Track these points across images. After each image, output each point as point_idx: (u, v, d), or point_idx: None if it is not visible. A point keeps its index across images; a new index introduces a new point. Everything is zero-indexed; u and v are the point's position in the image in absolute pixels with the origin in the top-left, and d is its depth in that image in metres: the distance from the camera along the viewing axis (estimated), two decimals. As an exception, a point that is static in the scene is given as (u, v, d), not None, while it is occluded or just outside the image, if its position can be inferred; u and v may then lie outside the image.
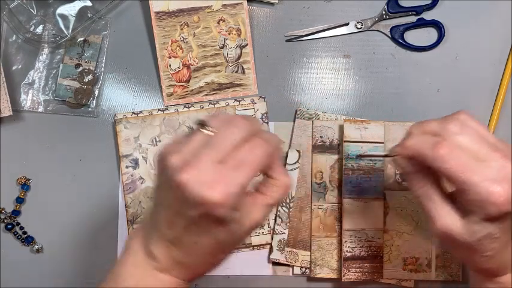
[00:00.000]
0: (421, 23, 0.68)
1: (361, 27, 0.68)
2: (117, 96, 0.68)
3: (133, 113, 0.66)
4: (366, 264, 0.63)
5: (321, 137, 0.66)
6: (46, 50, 0.67)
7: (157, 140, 0.66)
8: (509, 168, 0.43)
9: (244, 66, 0.67)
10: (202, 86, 0.67)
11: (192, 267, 0.45)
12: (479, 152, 0.44)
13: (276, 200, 0.46)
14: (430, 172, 0.46)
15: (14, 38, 0.67)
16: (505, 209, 0.42)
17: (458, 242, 0.45)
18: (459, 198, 0.45)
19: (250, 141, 0.42)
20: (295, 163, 0.65)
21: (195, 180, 0.39)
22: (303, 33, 0.68)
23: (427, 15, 0.68)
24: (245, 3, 0.67)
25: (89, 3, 0.66)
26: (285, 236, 0.65)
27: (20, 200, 0.66)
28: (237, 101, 0.67)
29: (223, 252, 0.45)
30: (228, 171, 0.40)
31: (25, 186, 0.66)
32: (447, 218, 0.45)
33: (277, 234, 0.65)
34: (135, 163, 0.65)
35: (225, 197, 0.39)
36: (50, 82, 0.67)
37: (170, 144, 0.42)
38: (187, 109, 0.66)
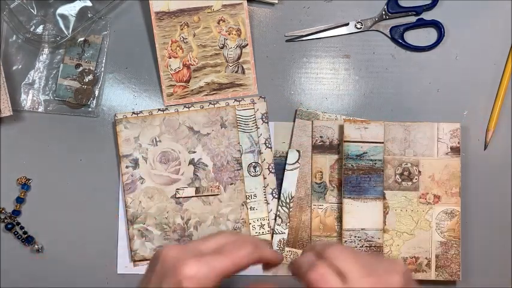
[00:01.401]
0: (421, 23, 0.68)
1: (361, 27, 0.68)
2: (117, 96, 0.68)
3: (133, 113, 0.66)
4: (365, 264, 0.63)
5: (321, 137, 0.66)
6: (46, 50, 0.67)
7: (157, 140, 0.66)
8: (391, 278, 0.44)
9: (244, 66, 0.67)
10: (202, 86, 0.67)
11: None
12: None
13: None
14: None
15: (14, 38, 0.67)
16: None
17: None
18: None
19: (236, 241, 0.47)
20: (295, 163, 0.66)
21: (177, 255, 0.44)
22: (303, 33, 0.68)
23: (427, 15, 0.68)
24: (245, 3, 0.67)
25: (89, 3, 0.66)
26: (285, 236, 0.65)
27: (20, 200, 0.66)
28: (237, 101, 0.67)
29: None
30: (207, 256, 0.45)
31: (25, 186, 0.66)
32: None
33: (277, 234, 0.65)
34: (135, 163, 0.65)
35: (194, 272, 0.43)
36: (50, 82, 0.67)
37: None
38: (187, 109, 0.66)
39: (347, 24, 0.68)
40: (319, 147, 0.66)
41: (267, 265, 0.50)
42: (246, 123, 0.66)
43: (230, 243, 0.46)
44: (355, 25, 0.68)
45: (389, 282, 0.44)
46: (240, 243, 0.46)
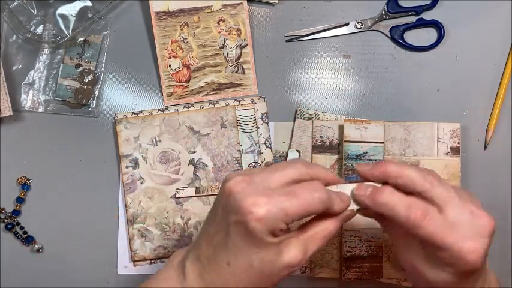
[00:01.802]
0: (421, 23, 0.68)
1: (361, 27, 0.68)
2: (117, 96, 0.68)
3: (133, 113, 0.66)
4: (365, 264, 0.63)
5: (320, 137, 0.66)
6: (46, 50, 0.67)
7: (157, 140, 0.66)
8: (482, 221, 0.43)
9: (244, 66, 0.67)
10: (202, 86, 0.67)
11: None
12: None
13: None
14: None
15: (14, 38, 0.67)
16: (476, 266, 0.42)
17: (422, 279, 0.45)
18: (430, 251, 0.44)
19: (310, 182, 0.43)
20: (295, 163, 0.65)
21: (242, 191, 0.41)
22: (303, 33, 0.68)
23: (427, 15, 0.68)
24: (245, 3, 0.67)
25: (89, 3, 0.66)
26: (285, 236, 0.65)
27: (20, 200, 0.66)
28: (237, 101, 0.67)
29: (254, 284, 0.43)
30: (277, 195, 0.41)
31: (25, 186, 0.66)
32: (418, 260, 0.45)
33: (277, 234, 0.65)
34: (135, 163, 0.65)
35: (263, 212, 0.40)
36: (50, 82, 0.67)
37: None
38: (187, 109, 0.66)
39: (347, 24, 0.68)
40: (319, 147, 0.66)
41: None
42: (246, 123, 0.66)
43: (303, 185, 0.42)
44: (355, 25, 0.68)
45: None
46: (313, 186, 0.42)
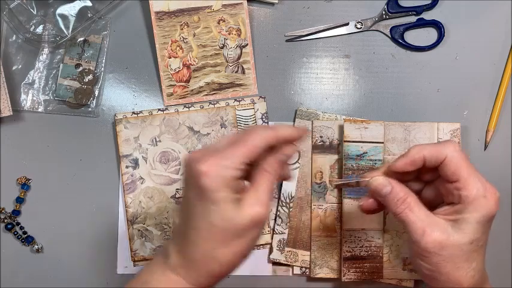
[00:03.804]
0: (421, 23, 0.68)
1: (361, 27, 0.68)
2: (117, 96, 0.68)
3: (133, 113, 0.66)
4: (365, 264, 0.63)
5: (321, 137, 0.66)
6: (46, 50, 0.67)
7: (157, 140, 0.66)
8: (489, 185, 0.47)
9: (244, 66, 0.67)
10: (202, 86, 0.67)
11: (199, 265, 0.45)
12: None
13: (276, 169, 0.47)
14: (408, 189, 0.48)
15: (14, 38, 0.67)
16: (496, 210, 0.47)
17: (448, 251, 0.46)
18: (452, 202, 0.47)
19: (248, 129, 0.46)
20: (295, 163, 0.66)
21: (195, 158, 0.44)
22: (303, 33, 0.68)
23: (427, 15, 0.68)
24: (245, 3, 0.67)
25: (89, 3, 0.66)
26: (285, 236, 0.65)
27: (20, 200, 0.66)
28: (237, 101, 0.67)
29: (224, 243, 0.44)
30: (221, 150, 0.44)
31: (25, 186, 0.66)
32: (434, 225, 0.46)
33: (277, 234, 0.65)
34: (135, 163, 0.65)
35: (208, 166, 0.43)
36: (50, 82, 0.67)
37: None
38: (187, 109, 0.66)
39: (347, 24, 0.68)
40: (319, 147, 0.66)
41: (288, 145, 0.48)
42: (246, 123, 0.66)
43: (242, 133, 0.46)
44: (355, 25, 0.68)
45: None
46: (251, 129, 0.46)
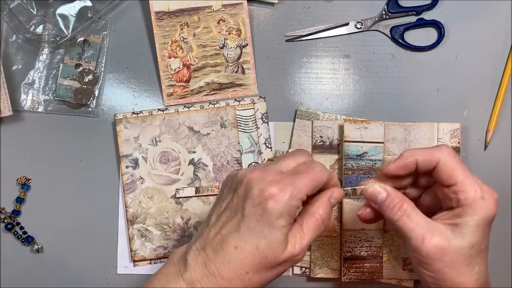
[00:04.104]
0: (421, 23, 0.68)
1: (361, 27, 0.68)
2: (117, 96, 0.68)
3: (133, 113, 0.66)
4: (365, 264, 0.63)
5: (320, 137, 0.66)
6: (46, 50, 0.67)
7: (157, 140, 0.66)
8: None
9: (244, 66, 0.67)
10: (202, 86, 0.67)
11: (225, 283, 0.45)
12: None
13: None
14: (405, 195, 0.49)
15: (14, 38, 0.67)
16: (495, 211, 0.46)
17: (450, 257, 0.45)
18: (450, 207, 0.47)
19: (307, 161, 0.48)
20: (295, 163, 0.65)
21: (258, 178, 0.45)
22: (303, 33, 0.68)
23: (427, 15, 0.68)
24: (245, 3, 0.67)
25: (89, 3, 0.66)
26: (285, 236, 0.65)
27: (20, 200, 0.66)
28: (237, 101, 0.67)
29: (257, 270, 0.45)
30: (289, 176, 0.45)
31: (25, 186, 0.66)
32: (433, 230, 0.46)
33: (277, 234, 0.65)
34: (135, 163, 0.65)
35: (278, 191, 0.44)
36: (50, 82, 0.67)
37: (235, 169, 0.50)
38: (187, 109, 0.66)
39: (347, 24, 0.68)
40: (319, 147, 0.66)
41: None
42: (246, 123, 0.66)
43: (304, 163, 0.47)
44: (355, 25, 0.68)
45: None
46: (312, 163, 0.47)
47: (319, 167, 0.47)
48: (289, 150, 0.66)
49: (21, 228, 0.66)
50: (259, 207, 0.44)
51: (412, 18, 0.68)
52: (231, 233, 0.45)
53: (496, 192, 0.47)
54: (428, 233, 0.45)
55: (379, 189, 0.49)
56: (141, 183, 0.65)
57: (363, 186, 0.50)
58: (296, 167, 0.47)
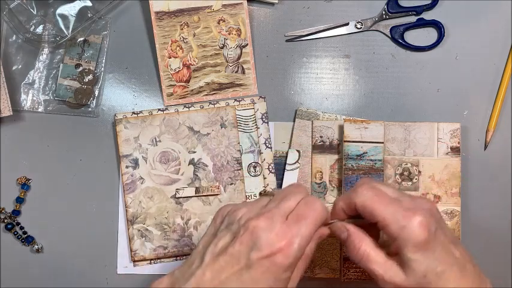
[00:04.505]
0: (421, 23, 0.68)
1: (361, 27, 0.68)
2: (117, 96, 0.68)
3: (133, 113, 0.66)
4: (365, 264, 0.63)
5: (320, 137, 0.66)
6: (46, 50, 0.67)
7: (157, 140, 0.66)
8: (420, 202, 0.47)
9: (244, 66, 0.67)
10: (202, 86, 0.67)
11: None
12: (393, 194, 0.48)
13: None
14: (366, 234, 0.48)
15: (14, 38, 0.67)
16: (423, 233, 0.44)
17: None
18: (390, 244, 0.46)
19: (306, 199, 0.47)
20: (295, 163, 0.66)
21: (267, 228, 0.44)
22: (303, 33, 0.68)
23: (427, 15, 0.68)
24: (245, 3, 0.67)
25: (89, 3, 0.66)
26: (285, 236, 0.65)
27: (20, 200, 0.66)
28: (237, 101, 0.67)
29: None
30: (294, 225, 0.44)
31: (25, 186, 0.66)
32: (390, 270, 0.46)
33: (277, 234, 0.65)
34: (135, 163, 0.65)
35: (288, 246, 0.43)
36: (50, 82, 0.67)
37: (231, 204, 0.49)
38: (187, 109, 0.66)
39: (347, 24, 0.68)
40: (319, 147, 0.66)
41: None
42: (246, 123, 0.66)
43: (305, 203, 0.46)
44: (355, 25, 0.68)
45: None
46: (313, 202, 0.46)
47: (319, 206, 0.46)
48: (288, 155, 0.66)
49: (21, 228, 0.66)
50: (267, 260, 0.43)
51: (412, 18, 0.68)
52: (233, 281, 0.43)
53: (419, 211, 0.45)
54: (386, 274, 0.45)
55: (341, 228, 0.49)
56: (141, 183, 0.65)
57: (332, 221, 0.50)
58: (299, 208, 0.46)
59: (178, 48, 0.67)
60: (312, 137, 0.66)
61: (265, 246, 0.43)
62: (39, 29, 0.66)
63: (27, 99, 0.67)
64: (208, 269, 0.44)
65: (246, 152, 0.66)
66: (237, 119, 0.66)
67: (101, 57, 0.68)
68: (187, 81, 0.67)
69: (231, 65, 0.67)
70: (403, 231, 0.44)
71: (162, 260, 0.65)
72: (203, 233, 0.65)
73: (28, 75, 0.67)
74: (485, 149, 0.67)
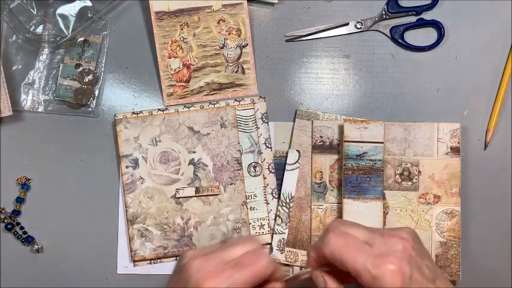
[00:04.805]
0: (421, 23, 0.68)
1: (361, 27, 0.68)
2: (117, 96, 0.68)
3: (133, 113, 0.66)
4: (365, 264, 0.63)
5: (320, 137, 0.66)
6: (46, 50, 0.67)
7: (157, 140, 0.66)
8: (393, 242, 0.45)
9: (244, 66, 0.67)
10: (202, 86, 0.67)
11: None
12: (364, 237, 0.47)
13: None
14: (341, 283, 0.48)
15: (14, 38, 0.67)
16: (396, 280, 0.43)
17: None
18: None
19: (254, 251, 0.47)
20: (295, 163, 0.66)
21: (198, 267, 0.45)
22: (303, 33, 0.68)
23: (427, 15, 0.68)
24: (245, 3, 0.67)
25: (89, 3, 0.66)
26: (285, 236, 0.65)
27: (20, 200, 0.66)
28: (237, 101, 0.67)
29: None
30: (229, 270, 0.45)
31: (25, 186, 0.66)
32: None
33: (277, 234, 0.65)
34: (135, 163, 0.65)
35: (216, 286, 0.43)
36: (50, 82, 0.67)
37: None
38: (187, 109, 0.66)
39: (347, 24, 0.68)
40: (319, 147, 0.66)
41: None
42: (246, 123, 0.66)
43: (251, 253, 0.47)
44: (355, 25, 0.68)
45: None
46: (259, 255, 0.47)
47: (265, 261, 0.46)
48: (288, 155, 0.66)
49: (21, 228, 0.66)
50: None
51: (412, 18, 0.68)
52: None
53: (390, 257, 0.43)
54: None
55: (319, 277, 0.49)
56: (141, 183, 0.65)
57: (306, 270, 0.50)
58: (243, 256, 0.46)
59: (178, 48, 0.67)
60: (312, 137, 0.66)
61: (195, 282, 0.44)
62: (39, 29, 0.66)
63: (27, 99, 0.67)
64: None
65: (246, 152, 0.66)
66: (237, 119, 0.66)
67: (101, 57, 0.68)
68: (187, 81, 0.67)
69: (231, 65, 0.67)
70: (375, 282, 0.43)
71: (162, 260, 0.65)
72: (203, 233, 0.65)
73: (28, 75, 0.67)
74: (485, 149, 0.67)
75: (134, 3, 0.68)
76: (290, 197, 0.65)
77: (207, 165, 0.66)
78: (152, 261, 0.65)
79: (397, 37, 0.68)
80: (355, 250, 0.45)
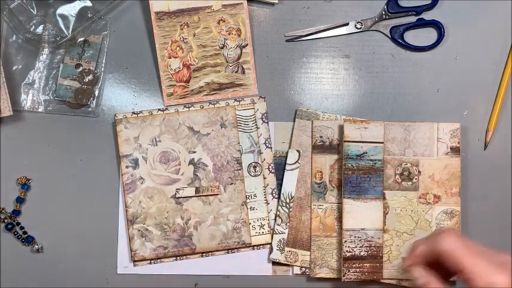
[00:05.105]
0: (421, 23, 0.68)
1: (361, 27, 0.68)
2: (117, 96, 0.68)
3: (133, 113, 0.66)
4: (365, 264, 0.63)
5: (320, 137, 0.66)
6: (46, 50, 0.67)
7: (157, 140, 0.66)
8: (504, 258, 0.45)
9: (244, 66, 0.67)
10: (202, 86, 0.67)
11: None
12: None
13: None
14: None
15: (14, 38, 0.67)
16: None
17: None
18: None
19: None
20: (295, 163, 0.66)
21: None
22: (303, 33, 0.68)
23: (427, 15, 0.68)
24: (245, 3, 0.67)
25: (89, 4, 0.66)
26: (285, 236, 0.65)
27: (20, 200, 0.66)
28: (237, 101, 0.67)
29: None
30: None
31: (25, 186, 0.66)
32: None
33: (277, 234, 0.65)
34: (135, 163, 0.65)
35: None
36: (50, 82, 0.67)
37: None
38: (187, 109, 0.66)
39: (347, 24, 0.68)
40: (319, 147, 0.66)
41: None
42: (246, 123, 0.66)
43: None
44: (355, 25, 0.68)
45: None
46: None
47: None
48: (288, 155, 0.66)
49: (21, 228, 0.66)
50: None
51: (412, 18, 0.68)
52: None
53: (508, 268, 0.44)
54: None
55: (422, 277, 0.50)
56: (141, 183, 0.65)
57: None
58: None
59: (178, 48, 0.67)
60: (312, 137, 0.66)
61: None
62: (39, 29, 0.66)
63: (27, 99, 0.67)
64: None
65: (246, 152, 0.66)
66: (237, 119, 0.66)
67: (101, 57, 0.68)
68: (187, 81, 0.67)
69: (231, 65, 0.67)
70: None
71: (162, 260, 0.65)
72: (203, 233, 0.65)
73: (28, 75, 0.67)
74: (485, 149, 0.67)
75: (134, 3, 0.68)
76: (290, 197, 0.65)
77: (207, 165, 0.66)
78: (152, 261, 0.65)
79: (397, 37, 0.68)
80: (476, 254, 0.45)
